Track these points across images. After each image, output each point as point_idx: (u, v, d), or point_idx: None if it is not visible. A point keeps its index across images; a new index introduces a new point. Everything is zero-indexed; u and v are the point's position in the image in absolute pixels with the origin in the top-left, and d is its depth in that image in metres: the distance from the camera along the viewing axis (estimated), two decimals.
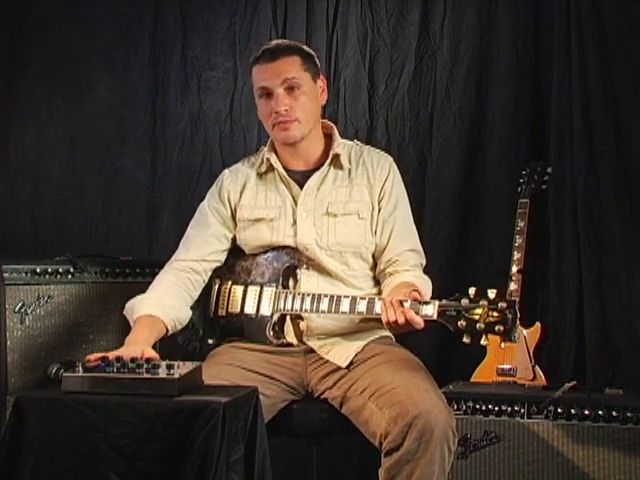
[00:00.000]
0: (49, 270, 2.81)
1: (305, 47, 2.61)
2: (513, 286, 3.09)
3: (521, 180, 3.23)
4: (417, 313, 2.22)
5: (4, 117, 3.79)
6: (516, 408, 2.66)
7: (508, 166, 3.33)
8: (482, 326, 2.15)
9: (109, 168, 3.71)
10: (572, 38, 3.23)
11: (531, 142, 3.35)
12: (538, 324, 3.09)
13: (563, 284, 3.25)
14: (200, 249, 2.60)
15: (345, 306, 2.39)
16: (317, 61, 2.61)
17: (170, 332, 2.47)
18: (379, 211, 2.57)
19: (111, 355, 2.17)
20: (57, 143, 3.77)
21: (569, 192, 3.25)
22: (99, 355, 2.19)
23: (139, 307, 2.46)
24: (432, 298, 2.29)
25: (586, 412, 2.61)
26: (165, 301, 2.50)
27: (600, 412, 2.60)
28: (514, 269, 3.11)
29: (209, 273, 2.63)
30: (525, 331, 3.07)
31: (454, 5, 3.41)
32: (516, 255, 3.13)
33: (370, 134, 3.47)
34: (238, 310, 2.56)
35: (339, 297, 2.40)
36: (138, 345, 2.30)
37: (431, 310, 2.22)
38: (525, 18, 3.34)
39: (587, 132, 3.21)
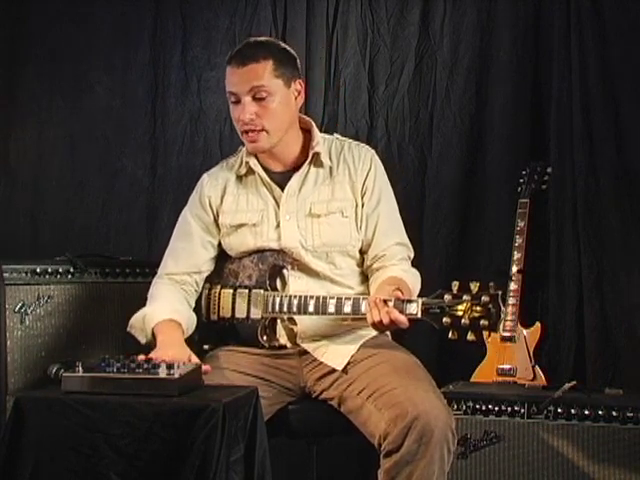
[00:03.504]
0: (49, 270, 2.81)
1: (282, 47, 2.53)
2: (513, 286, 3.09)
3: (521, 180, 3.23)
4: (401, 312, 2.21)
5: (4, 117, 3.79)
6: (516, 408, 2.66)
7: (508, 166, 3.33)
8: (466, 322, 2.15)
9: (109, 168, 3.71)
10: (572, 38, 3.22)
11: (531, 142, 3.34)
12: (538, 324, 3.09)
13: (563, 284, 3.25)
14: (188, 261, 2.58)
15: (331, 308, 2.37)
16: (296, 62, 2.52)
17: (185, 337, 2.46)
18: (362, 206, 2.53)
19: (157, 358, 2.19)
20: (57, 143, 3.77)
21: (569, 192, 3.25)
22: (144, 357, 2.19)
23: (154, 315, 2.45)
24: (420, 296, 2.28)
25: (586, 412, 2.61)
26: (177, 306, 2.50)
27: (600, 412, 2.60)
28: (514, 269, 3.11)
29: (201, 284, 2.61)
30: (525, 331, 3.07)
31: (454, 5, 3.41)
32: (516, 255, 3.13)
33: (370, 134, 3.46)
34: (229, 314, 2.53)
35: (325, 298, 2.38)
36: (181, 348, 2.31)
37: (415, 308, 2.21)
38: (525, 18, 3.34)
39: (587, 132, 3.20)
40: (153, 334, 2.42)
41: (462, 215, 3.40)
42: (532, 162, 3.25)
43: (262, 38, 2.64)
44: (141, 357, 2.19)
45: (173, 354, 2.25)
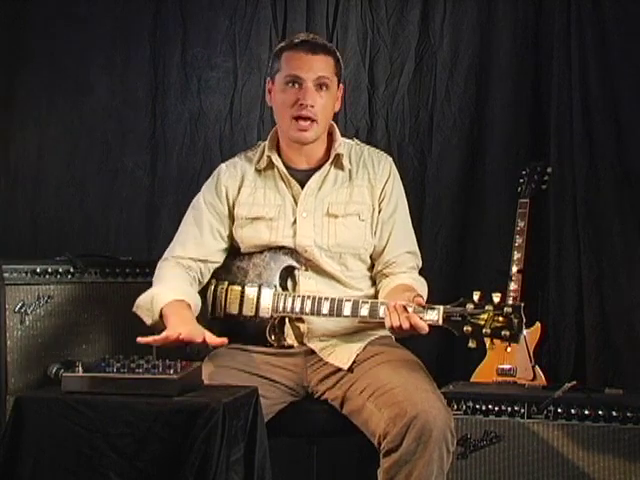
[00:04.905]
0: (49, 270, 2.81)
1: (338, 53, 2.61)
2: (513, 286, 3.09)
3: (521, 180, 3.22)
4: (421, 318, 2.22)
5: (4, 117, 3.78)
6: (516, 408, 2.66)
7: (508, 166, 3.33)
8: (488, 331, 2.16)
9: (109, 168, 3.71)
10: (572, 38, 3.22)
11: (531, 142, 3.34)
12: (538, 324, 3.09)
13: (563, 284, 3.24)
14: (196, 248, 2.58)
15: (347, 310, 2.38)
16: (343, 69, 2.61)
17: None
18: (379, 212, 2.56)
19: (171, 336, 2.24)
20: (57, 143, 3.76)
21: (569, 192, 3.25)
22: (160, 337, 2.24)
23: (162, 296, 2.44)
24: (430, 298, 2.29)
25: (586, 412, 2.60)
26: (185, 287, 2.50)
27: (600, 412, 2.60)
28: (514, 269, 3.11)
29: (206, 274, 2.60)
30: (525, 331, 3.06)
31: (454, 5, 3.41)
32: (516, 255, 3.13)
33: (370, 134, 3.46)
34: (236, 312, 2.54)
35: (340, 300, 2.39)
36: (194, 326, 2.34)
37: (436, 315, 2.22)
38: (525, 18, 3.34)
39: (587, 132, 3.20)
40: (161, 315, 2.41)
41: (462, 215, 3.40)
42: (532, 162, 3.25)
43: (317, 37, 2.67)
44: (154, 338, 2.21)
45: (189, 331, 2.27)
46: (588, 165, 3.21)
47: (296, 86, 2.49)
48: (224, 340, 2.31)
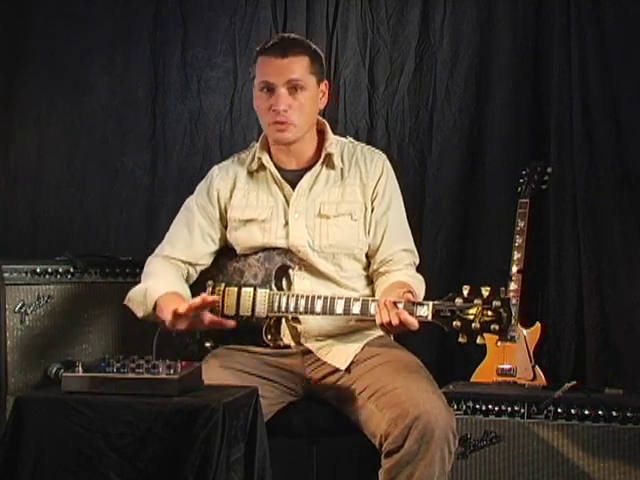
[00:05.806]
0: (49, 270, 2.82)
1: (314, 47, 2.57)
2: (513, 286, 3.09)
3: (521, 180, 3.22)
4: (411, 314, 2.21)
5: (4, 117, 3.79)
6: (516, 408, 2.66)
7: (508, 166, 3.33)
8: (477, 326, 2.15)
9: (109, 168, 3.71)
10: (572, 38, 3.22)
11: (531, 142, 3.34)
12: (538, 324, 3.09)
13: (563, 284, 3.24)
14: (185, 251, 2.58)
15: (339, 308, 2.37)
16: (324, 64, 2.58)
17: None
18: (372, 211, 2.55)
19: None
20: (57, 143, 3.77)
21: (569, 192, 3.25)
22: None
23: (155, 289, 2.45)
24: (429, 298, 2.28)
25: (586, 412, 2.61)
26: (176, 281, 2.52)
27: (600, 412, 2.60)
28: (514, 269, 3.11)
29: (194, 277, 2.61)
30: (525, 331, 3.07)
31: (454, 5, 3.41)
32: (516, 255, 3.13)
33: (370, 134, 3.46)
34: (233, 312, 2.52)
35: (333, 299, 2.39)
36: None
37: (425, 311, 2.21)
38: (525, 18, 3.34)
39: (587, 132, 3.20)
40: (154, 308, 2.43)
41: (462, 215, 3.40)
42: (532, 162, 3.25)
43: (295, 35, 2.66)
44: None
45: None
46: (588, 165, 3.21)
47: (269, 92, 2.48)
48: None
